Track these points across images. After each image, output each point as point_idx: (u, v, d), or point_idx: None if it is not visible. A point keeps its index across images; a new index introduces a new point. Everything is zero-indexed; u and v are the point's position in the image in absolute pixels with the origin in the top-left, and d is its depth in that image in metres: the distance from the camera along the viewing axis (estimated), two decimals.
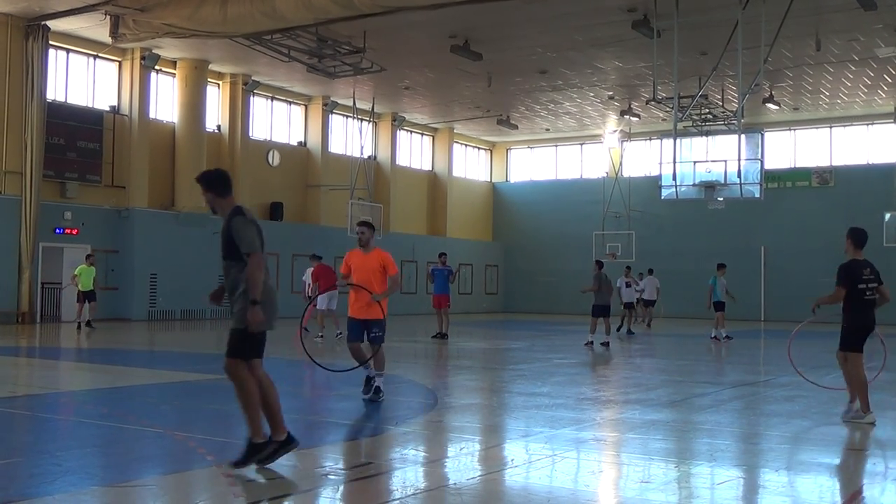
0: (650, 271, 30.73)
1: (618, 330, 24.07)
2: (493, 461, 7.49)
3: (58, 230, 25.81)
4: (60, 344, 19.86)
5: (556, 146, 42.75)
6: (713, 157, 21.41)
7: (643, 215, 37.21)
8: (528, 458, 7.58)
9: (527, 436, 8.62)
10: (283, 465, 7.02)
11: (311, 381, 13.53)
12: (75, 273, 22.61)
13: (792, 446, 8.25)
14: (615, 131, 38.46)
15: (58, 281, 26.02)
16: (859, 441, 8.56)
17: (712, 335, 22.17)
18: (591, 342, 19.41)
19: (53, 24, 24.65)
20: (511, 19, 23.33)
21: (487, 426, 9.32)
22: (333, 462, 7.26)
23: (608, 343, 19.66)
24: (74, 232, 26.19)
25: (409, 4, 18.89)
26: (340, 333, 19.35)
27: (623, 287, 26.22)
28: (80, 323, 22.49)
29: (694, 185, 21.10)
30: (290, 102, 33.88)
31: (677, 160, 20.43)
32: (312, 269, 21.53)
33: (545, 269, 40.91)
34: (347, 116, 34.24)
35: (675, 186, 20.44)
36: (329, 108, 34.30)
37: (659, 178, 21.62)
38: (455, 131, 40.63)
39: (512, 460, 7.51)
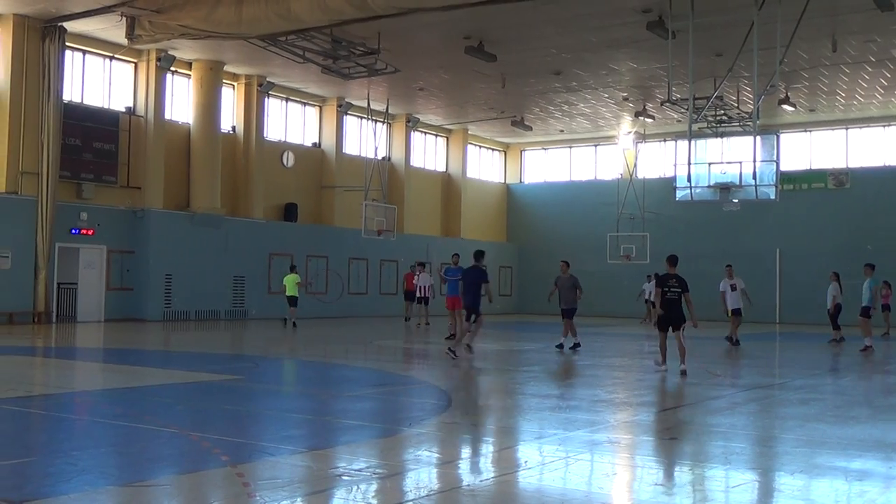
0: (655, 275, 31.03)
1: (728, 339, 21.64)
2: (506, 463, 7.48)
3: (74, 231, 25.94)
4: (76, 344, 19.96)
5: (571, 147, 42.68)
6: (728, 159, 21.29)
7: (658, 217, 37.10)
8: (541, 459, 7.56)
9: (540, 438, 8.60)
10: (298, 465, 7.03)
11: (325, 382, 13.55)
12: (284, 283, 26.19)
13: (808, 449, 8.20)
14: (630, 132, 38.37)
15: (73, 281, 26.15)
16: (877, 443, 8.51)
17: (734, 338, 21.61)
18: (561, 345, 18.73)
19: (70, 26, 24.79)
20: (526, 20, 23.31)
21: (501, 428, 9.31)
22: (347, 463, 7.26)
23: (577, 345, 18.65)
24: (90, 232, 26.32)
25: (424, 6, 18.89)
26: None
27: (728, 291, 21.96)
28: (286, 320, 26.15)
29: (709, 186, 20.96)
30: (305, 103, 33.95)
31: (692, 162, 20.32)
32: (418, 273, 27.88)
33: (559, 271, 40.85)
34: (362, 117, 34.28)
35: (690, 188, 20.31)
36: (343, 109, 34.35)
37: (674, 179, 21.49)
38: (469, 132, 40.63)
39: (525, 462, 7.49)
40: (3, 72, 24.50)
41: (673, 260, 15.27)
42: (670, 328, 14.62)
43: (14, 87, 24.38)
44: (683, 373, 13.91)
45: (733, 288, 21.67)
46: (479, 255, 17.40)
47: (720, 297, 21.87)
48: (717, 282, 22.79)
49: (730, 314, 21.69)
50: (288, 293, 25.75)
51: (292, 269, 27.12)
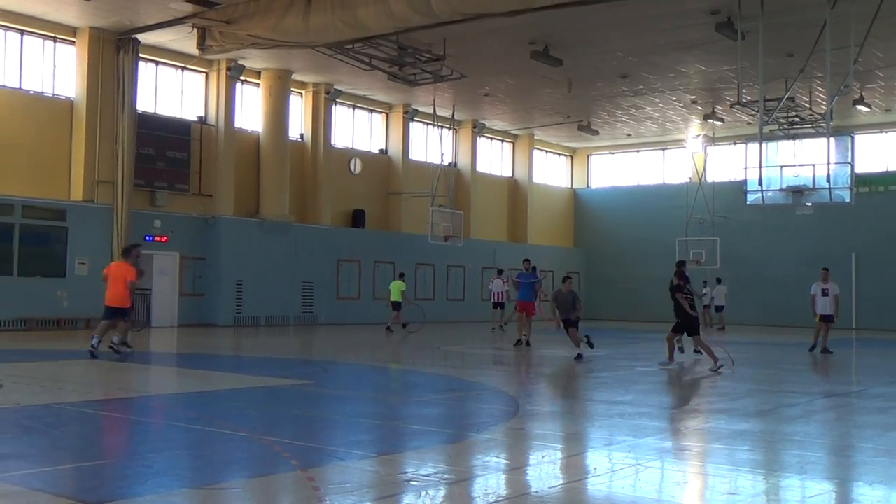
0: (718, 280, 32.91)
1: (811, 350, 20.67)
2: (575, 470, 7.42)
3: (148, 238, 26.48)
4: (150, 348, 20.38)
5: (638, 151, 42.28)
6: (801, 161, 20.85)
7: (728, 221, 36.51)
8: (610, 466, 7.49)
9: (609, 444, 8.52)
10: (366, 470, 7.07)
11: (393, 387, 13.61)
12: (390, 288, 27.65)
13: (887, 459, 7.97)
14: (698, 136, 37.86)
15: (148, 287, 26.68)
16: None
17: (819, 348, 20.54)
18: (580, 355, 17.60)
19: (143, 38, 25.38)
20: (592, 24, 23.17)
21: (569, 434, 9.24)
22: (415, 468, 7.28)
23: (580, 356, 17.49)
24: (164, 239, 26.87)
25: (489, 11, 18.90)
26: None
27: (819, 295, 20.73)
28: (388, 326, 27.12)
29: (781, 189, 20.54)
30: (372, 110, 34.21)
31: (763, 164, 19.94)
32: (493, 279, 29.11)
33: (627, 276, 40.50)
34: (428, 124, 34.42)
35: (762, 191, 19.92)
36: (410, 115, 34.53)
37: (744, 182, 21.11)
38: (535, 137, 40.51)
39: (594, 469, 7.43)
40: (79, 84, 25.18)
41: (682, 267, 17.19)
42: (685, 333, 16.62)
43: (90, 99, 25.04)
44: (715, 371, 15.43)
45: (825, 293, 20.54)
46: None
47: (810, 301, 20.75)
48: (790, 286, 22.40)
49: (817, 319, 20.53)
50: (392, 299, 27.12)
51: (400, 277, 28.53)
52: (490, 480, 6.94)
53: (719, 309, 32.95)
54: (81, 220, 24.79)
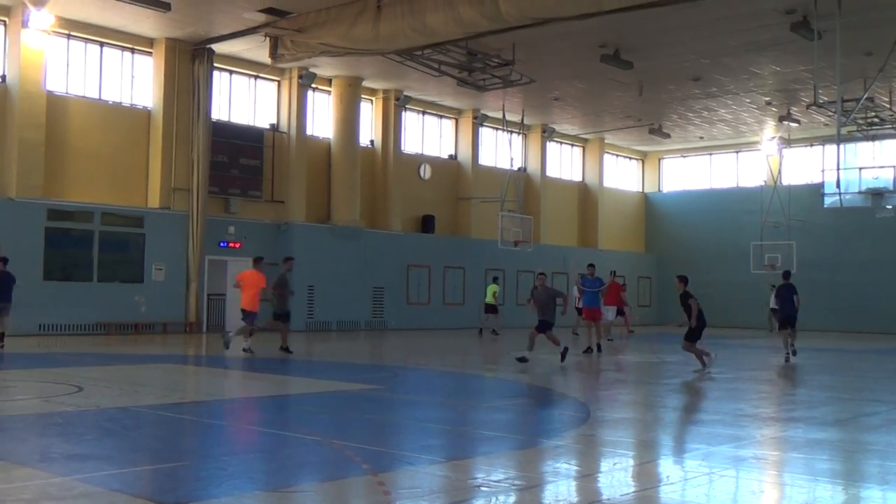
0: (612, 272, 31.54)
1: None
2: (647, 477, 7.33)
3: (222, 244, 26.97)
4: (225, 353, 20.71)
5: (711, 154, 41.64)
6: (881, 163, 20.35)
7: (804, 225, 35.71)
8: (683, 475, 7.38)
9: (682, 452, 8.40)
10: (437, 475, 7.08)
11: (464, 392, 13.61)
12: (486, 291, 28.52)
13: None
14: (773, 138, 37.13)
15: (222, 293, 27.15)
16: None
17: None
18: (524, 357, 17.10)
19: (218, 48, 25.87)
20: (663, 26, 22.90)
21: (641, 441, 9.14)
22: (485, 474, 7.26)
23: (524, 358, 16.98)
24: (237, 245, 27.31)
25: (558, 15, 18.81)
26: (611, 339, 25.60)
27: None
28: (481, 329, 28.43)
29: (860, 192, 20.12)
30: (441, 116, 34.33)
31: (841, 167, 19.50)
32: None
33: (700, 281, 39.47)
34: (497, 129, 34.40)
35: (840, 194, 19.52)
36: (479, 120, 34.56)
37: (821, 185, 20.72)
38: (606, 141, 40.19)
39: (667, 477, 7.33)
40: (156, 93, 25.77)
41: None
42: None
43: (167, 108, 25.61)
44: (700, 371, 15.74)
45: None
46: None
47: None
48: (868, 292, 21.78)
49: None
50: (487, 301, 28.18)
51: (494, 280, 29.53)
52: (560, 487, 6.90)
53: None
54: (158, 227, 25.35)
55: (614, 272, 29.49)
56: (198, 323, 25.89)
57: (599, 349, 20.45)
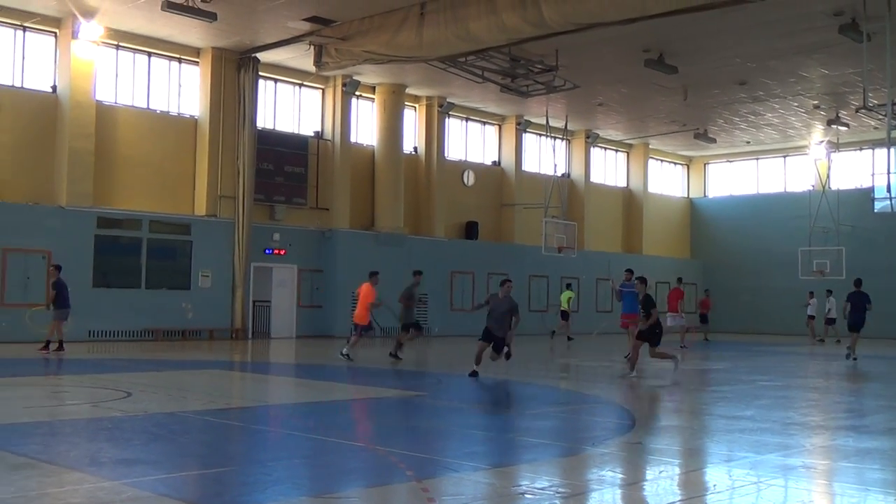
0: (829, 292, 31.86)
1: None
2: (693, 486, 7.25)
3: (267, 251, 27.20)
4: (270, 359, 20.89)
5: (758, 159, 41.15)
6: None
7: (854, 230, 35.12)
8: (731, 483, 7.29)
9: (730, 461, 8.30)
10: (481, 482, 7.07)
11: (508, 399, 13.57)
12: (561, 298, 29.76)
13: None
14: (822, 142, 36.60)
15: (267, 299, 27.39)
16: None
17: None
18: (475, 372, 15.38)
19: (263, 56, 26.13)
20: (707, 30, 22.70)
21: (687, 449, 9.04)
22: (530, 481, 7.23)
23: (476, 373, 15.32)
24: (282, 252, 27.53)
25: (602, 20, 18.74)
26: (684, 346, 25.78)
27: None
28: (553, 332, 29.24)
29: None
30: (484, 122, 34.33)
31: (892, 170, 19.14)
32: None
33: (747, 287, 39.39)
34: (541, 135, 34.30)
35: (890, 198, 19.20)
36: (522, 126, 34.50)
37: (871, 189, 20.36)
38: (650, 146, 39.90)
39: (714, 486, 7.24)
40: (203, 102, 26.09)
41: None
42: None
43: (213, 116, 25.91)
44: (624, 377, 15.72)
45: None
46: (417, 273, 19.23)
47: None
48: None
49: None
50: (562, 307, 29.48)
51: (568, 287, 30.62)
52: (605, 495, 6.85)
53: (830, 321, 31.72)
54: (205, 234, 25.63)
55: (680, 279, 29.49)
56: (243, 329, 26.12)
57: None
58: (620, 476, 7.59)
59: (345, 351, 18.84)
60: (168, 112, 25.95)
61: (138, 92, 25.34)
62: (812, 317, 32.79)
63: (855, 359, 21.32)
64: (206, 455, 8.12)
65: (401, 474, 7.19)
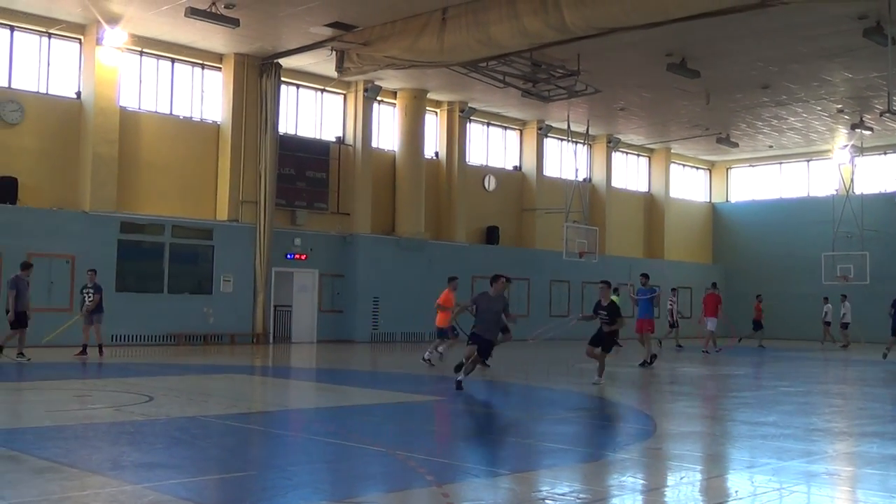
0: (844, 297, 32.22)
1: None
2: (715, 492, 7.20)
3: (288, 255, 27.29)
4: (291, 363, 20.95)
5: (781, 164, 40.90)
6: None
7: (879, 235, 34.81)
8: (753, 490, 7.23)
9: (752, 467, 8.24)
10: (501, 487, 7.06)
11: (527, 404, 13.54)
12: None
13: None
14: (846, 146, 36.32)
15: (288, 304, 27.47)
16: None
17: None
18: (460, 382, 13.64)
19: (285, 62, 26.25)
20: (730, 34, 22.60)
21: (709, 455, 8.99)
22: (550, 487, 7.21)
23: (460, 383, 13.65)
24: (303, 257, 27.61)
25: (624, 24, 18.70)
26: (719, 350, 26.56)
27: None
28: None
29: None
30: (506, 127, 34.32)
31: None
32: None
33: (770, 293, 38.96)
34: (562, 139, 34.26)
35: None
36: (543, 131, 34.46)
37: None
38: (672, 151, 39.74)
39: (736, 492, 7.19)
40: (225, 108, 26.24)
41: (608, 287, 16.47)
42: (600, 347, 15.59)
43: (235, 122, 26.04)
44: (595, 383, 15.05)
45: None
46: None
47: None
48: None
49: None
50: None
51: (615, 292, 28.45)
52: (626, 501, 6.81)
53: (845, 326, 32.12)
54: (227, 239, 25.76)
55: (715, 283, 29.54)
56: (265, 334, 26.21)
57: (652, 362, 19.95)
58: (641, 482, 7.55)
59: (426, 356, 19.07)
60: (191, 118, 26.11)
61: (162, 98, 25.51)
62: (828, 322, 32.75)
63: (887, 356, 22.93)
64: (227, 459, 8.15)
65: (421, 479, 7.18)
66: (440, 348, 19.49)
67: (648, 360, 20.01)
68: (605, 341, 15.61)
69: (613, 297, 26.74)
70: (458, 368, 14.42)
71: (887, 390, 16.53)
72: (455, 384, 13.57)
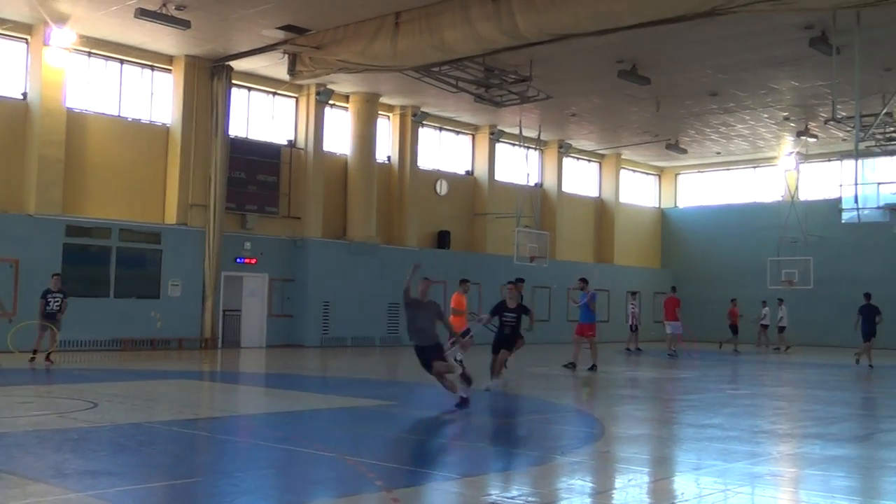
0: (781, 301, 32.87)
1: None
2: (662, 494, 7.28)
3: (238, 260, 27.04)
4: (240, 369, 20.77)
5: (728, 170, 41.50)
6: None
7: (822, 240, 35.49)
8: (699, 492, 7.33)
9: (698, 469, 8.34)
10: (451, 492, 7.07)
11: (478, 409, 13.57)
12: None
13: None
14: (791, 153, 36.97)
15: (237, 308, 27.23)
16: None
17: None
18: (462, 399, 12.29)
19: (236, 65, 26.03)
20: (680, 42, 22.89)
21: (656, 458, 9.09)
22: (500, 490, 7.24)
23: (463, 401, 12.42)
24: (253, 261, 27.38)
25: (576, 31, 18.84)
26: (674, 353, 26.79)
27: None
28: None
29: (878, 207, 19.97)
30: (458, 132, 34.39)
31: (859, 182, 19.38)
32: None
33: (717, 297, 39.57)
34: (514, 145, 34.41)
35: (857, 209, 19.40)
36: (495, 136, 34.60)
37: (839, 201, 20.57)
38: (622, 157, 40.13)
39: (682, 494, 7.28)
40: (175, 110, 25.94)
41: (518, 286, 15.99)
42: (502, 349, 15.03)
43: (185, 124, 25.76)
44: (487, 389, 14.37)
45: None
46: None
47: None
48: (888, 308, 21.63)
49: None
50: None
51: (764, 305, 32.25)
52: None
53: (781, 329, 32.74)
54: (175, 243, 25.45)
55: (674, 287, 29.95)
56: (213, 339, 25.94)
57: (594, 368, 19.69)
58: (590, 485, 7.61)
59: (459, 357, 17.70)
60: (140, 120, 25.78)
61: (110, 99, 25.15)
62: (765, 325, 33.45)
63: (871, 366, 23.02)
64: (173, 466, 8.06)
65: (371, 484, 7.17)
66: (458, 355, 18.85)
67: (572, 365, 19.77)
68: (509, 342, 15.08)
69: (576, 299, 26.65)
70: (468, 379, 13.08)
71: (829, 393, 16.85)
72: (484, 389, 14.26)
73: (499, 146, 35.20)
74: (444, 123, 33.52)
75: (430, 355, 12.29)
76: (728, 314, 32.74)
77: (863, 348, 24.11)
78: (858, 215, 19.37)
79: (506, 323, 15.19)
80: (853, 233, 32.62)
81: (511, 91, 25.68)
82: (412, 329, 12.53)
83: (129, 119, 25.53)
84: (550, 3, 18.23)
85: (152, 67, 25.81)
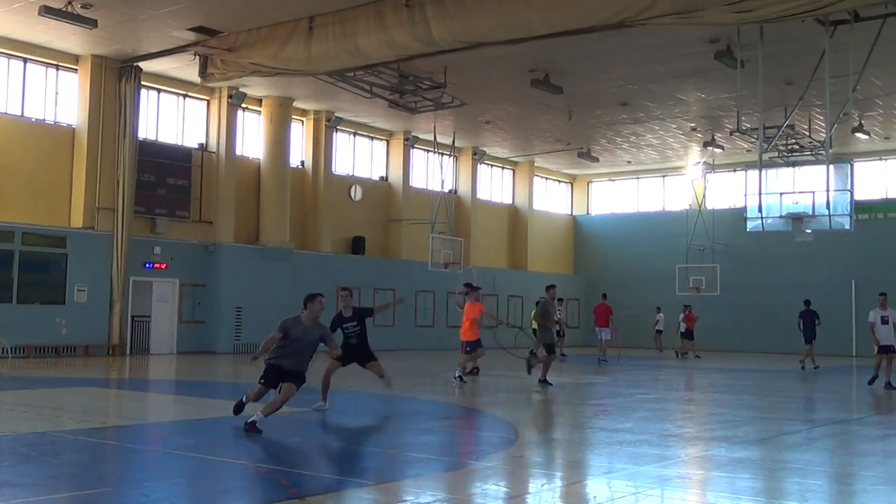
0: (687, 307, 32.79)
1: (870, 383, 18.91)
2: (575, 498, 7.38)
3: (148, 264, 26.49)
4: (149, 376, 20.33)
5: (638, 178, 42.37)
6: (800, 189, 20.84)
7: (728, 248, 36.53)
8: (610, 495, 7.45)
9: (609, 472, 8.48)
10: (365, 498, 7.03)
11: (393, 415, 13.55)
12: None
13: (888, 487, 7.93)
14: (698, 163, 37.95)
15: (147, 314, 26.66)
16: None
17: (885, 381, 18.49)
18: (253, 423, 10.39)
19: (145, 66, 25.51)
20: (591, 52, 23.29)
21: (569, 462, 9.20)
22: (414, 496, 7.23)
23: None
24: (163, 266, 26.85)
25: (489, 39, 19.00)
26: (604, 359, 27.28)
27: (878, 323, 18.70)
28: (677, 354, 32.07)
29: (781, 216, 20.53)
30: (372, 138, 34.33)
31: (763, 192, 19.94)
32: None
33: (628, 303, 40.33)
34: (428, 151, 34.51)
35: (761, 218, 19.89)
36: (410, 142, 34.64)
37: (744, 209, 21.12)
38: (536, 164, 40.60)
39: (594, 497, 7.39)
40: (81, 111, 25.28)
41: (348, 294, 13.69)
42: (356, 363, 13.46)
43: (92, 126, 25.12)
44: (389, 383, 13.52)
45: (884, 321, 18.62)
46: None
47: (869, 330, 19.11)
48: (790, 314, 22.33)
49: (876, 350, 18.86)
50: (657, 328, 33.81)
51: (658, 310, 33.35)
52: None
53: (684, 335, 32.05)
54: (81, 247, 24.79)
55: (605, 294, 30.30)
56: (121, 345, 25.33)
57: (472, 373, 19.24)
58: (504, 490, 7.67)
59: (457, 374, 17.84)
60: (44, 120, 25.05)
61: (12, 99, 24.38)
62: (660, 331, 34.30)
63: (816, 367, 24.63)
64: (79, 476, 7.83)
65: (284, 492, 7.09)
66: (469, 365, 18.36)
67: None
68: (359, 354, 13.41)
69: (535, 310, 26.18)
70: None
71: (734, 397, 17.31)
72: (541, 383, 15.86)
73: (413, 152, 35.25)
74: (358, 129, 33.42)
75: (287, 379, 11.01)
76: (684, 319, 32.16)
77: (806, 352, 25.10)
78: (762, 224, 19.87)
79: (348, 334, 13.50)
80: (757, 241, 33.56)
81: (425, 97, 25.76)
82: (287, 350, 11.32)
83: (33, 119, 24.80)
84: (464, 11, 18.38)
85: (57, 67, 25.12)
